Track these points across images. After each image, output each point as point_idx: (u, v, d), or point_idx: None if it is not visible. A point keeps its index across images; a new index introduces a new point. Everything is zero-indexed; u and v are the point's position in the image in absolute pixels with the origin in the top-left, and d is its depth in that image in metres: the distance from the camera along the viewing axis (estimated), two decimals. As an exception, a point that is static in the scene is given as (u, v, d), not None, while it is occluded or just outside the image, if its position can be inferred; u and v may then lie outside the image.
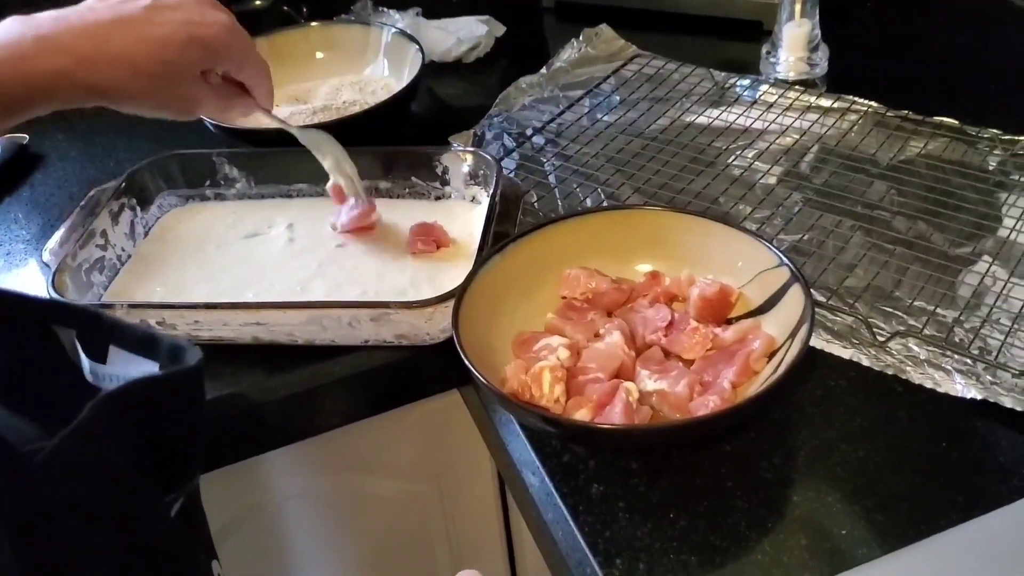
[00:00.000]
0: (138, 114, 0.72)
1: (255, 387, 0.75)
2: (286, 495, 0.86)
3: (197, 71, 0.72)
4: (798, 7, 1.01)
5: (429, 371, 0.79)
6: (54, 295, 0.75)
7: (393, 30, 1.10)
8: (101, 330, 0.54)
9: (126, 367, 0.53)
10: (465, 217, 0.88)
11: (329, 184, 0.86)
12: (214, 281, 0.83)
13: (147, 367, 0.53)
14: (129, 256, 0.86)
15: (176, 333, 0.75)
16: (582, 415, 0.64)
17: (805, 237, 0.82)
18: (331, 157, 0.85)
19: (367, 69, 1.11)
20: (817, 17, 1.01)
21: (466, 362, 0.64)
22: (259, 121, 0.86)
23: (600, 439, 0.64)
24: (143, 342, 0.54)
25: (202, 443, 0.55)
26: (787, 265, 0.69)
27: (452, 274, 0.81)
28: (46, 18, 0.66)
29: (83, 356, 0.54)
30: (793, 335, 0.65)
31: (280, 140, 0.86)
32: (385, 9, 1.21)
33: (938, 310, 0.73)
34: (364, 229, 0.85)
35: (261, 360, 0.76)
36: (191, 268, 0.85)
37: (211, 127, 0.98)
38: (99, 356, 0.54)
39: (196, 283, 0.83)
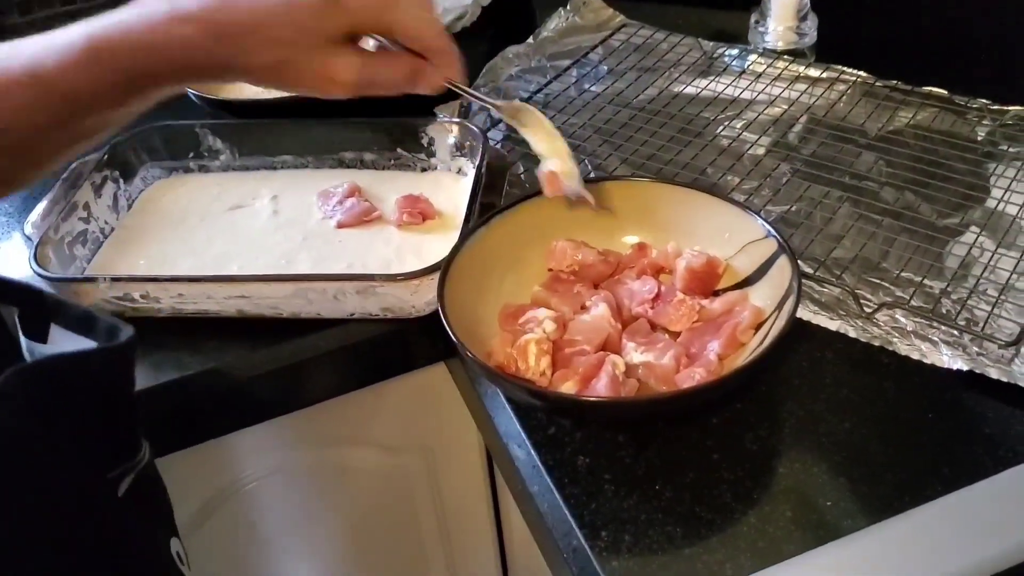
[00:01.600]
0: (281, 91, 0.64)
1: (240, 360, 0.75)
2: (268, 470, 0.86)
3: (336, 37, 0.61)
4: (787, -24, 1.00)
5: (415, 344, 0.79)
6: (36, 268, 0.74)
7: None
8: (43, 308, 0.54)
9: (64, 345, 0.53)
10: (451, 189, 0.87)
11: (541, 170, 0.73)
12: (198, 254, 0.82)
13: (85, 345, 0.53)
14: (112, 229, 0.85)
15: (160, 307, 0.75)
16: (568, 388, 0.64)
17: (793, 208, 0.82)
18: (543, 135, 0.72)
19: (353, 39, 1.09)
20: (806, -15, 1.01)
21: (452, 335, 0.64)
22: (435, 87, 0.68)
23: (586, 412, 0.64)
24: (81, 321, 0.53)
25: (138, 420, 0.54)
26: (774, 236, 0.68)
27: (438, 246, 0.80)
28: None
29: (21, 336, 0.53)
30: (780, 307, 0.65)
31: (264, 111, 0.85)
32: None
33: (925, 281, 0.73)
34: (364, 223, 0.84)
35: (246, 333, 0.75)
36: (175, 241, 0.84)
37: (194, 98, 0.97)
38: (40, 334, 0.53)
39: (180, 256, 0.82)
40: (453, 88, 0.67)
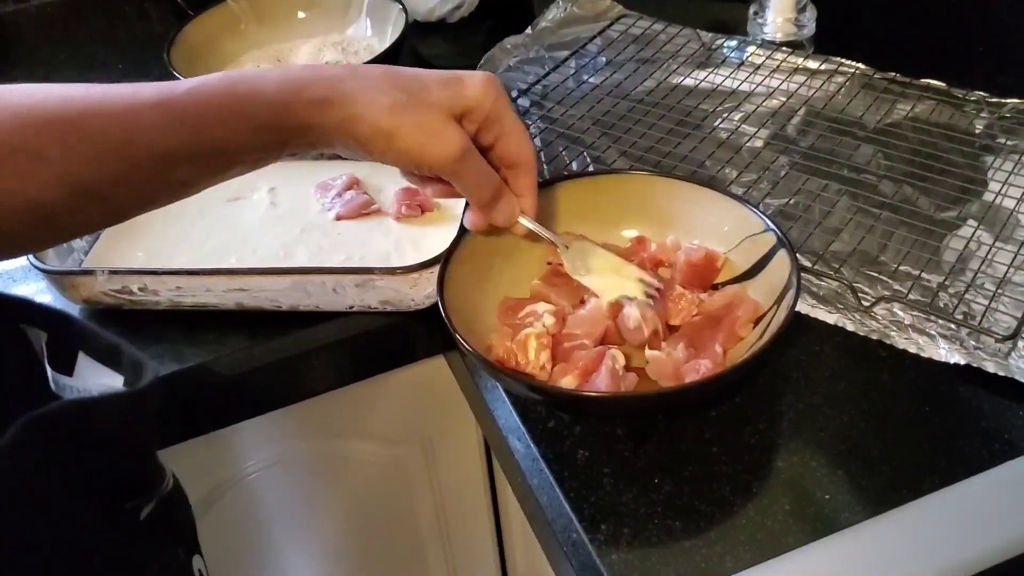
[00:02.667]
0: (395, 165, 0.63)
1: (239, 353, 0.75)
2: (267, 462, 0.86)
3: (454, 109, 0.61)
4: (786, -33, 1.00)
5: (414, 336, 0.79)
6: (34, 261, 0.74)
7: (378, -11, 1.08)
8: (70, 335, 0.53)
9: (89, 379, 0.52)
10: (450, 181, 0.87)
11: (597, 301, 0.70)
12: (196, 246, 0.82)
13: (111, 380, 0.52)
14: (110, 221, 0.84)
15: (159, 300, 0.75)
16: (568, 382, 0.64)
17: (791, 201, 0.82)
18: (596, 274, 0.70)
19: (349, 29, 1.09)
20: (805, -23, 1.01)
21: (452, 330, 0.64)
22: (510, 218, 0.67)
23: (587, 406, 0.64)
24: (108, 352, 0.52)
25: (155, 455, 0.53)
26: (773, 230, 0.68)
27: (437, 238, 0.80)
28: (333, 68, 0.62)
29: (48, 366, 0.52)
30: (779, 301, 0.65)
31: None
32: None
33: (923, 275, 0.73)
34: (363, 215, 0.84)
35: (245, 326, 0.76)
36: (173, 233, 0.84)
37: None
38: (66, 361, 0.52)
39: (178, 248, 0.82)
40: (525, 223, 0.67)
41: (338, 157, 0.90)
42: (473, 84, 0.61)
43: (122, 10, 1.26)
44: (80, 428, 0.47)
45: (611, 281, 0.70)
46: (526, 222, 0.67)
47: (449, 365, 0.81)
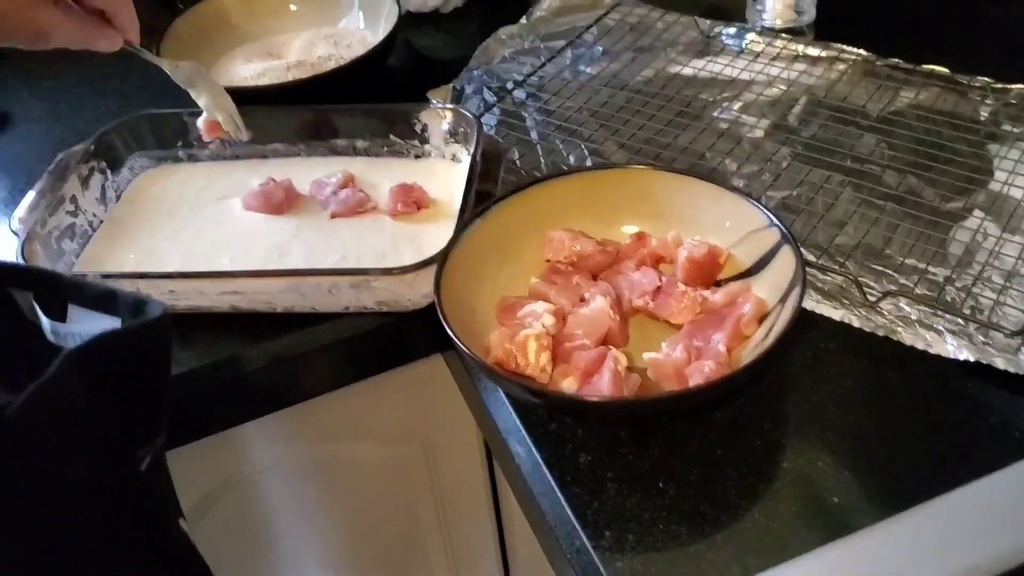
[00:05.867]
0: None
1: (234, 355, 0.73)
2: (264, 465, 0.85)
3: None
4: (785, -48, 0.98)
5: (412, 336, 0.77)
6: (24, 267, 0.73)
7: (368, -21, 1.06)
8: (58, 290, 0.53)
9: (87, 324, 0.52)
10: (445, 176, 0.86)
11: (201, 120, 0.83)
12: (188, 246, 0.80)
13: (108, 323, 0.53)
14: (101, 221, 0.83)
15: (151, 303, 0.73)
16: (569, 384, 0.63)
17: (794, 193, 0.80)
18: (207, 93, 0.81)
19: (342, 21, 1.07)
20: (805, -38, 0.99)
21: (449, 332, 0.62)
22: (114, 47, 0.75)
23: (590, 412, 0.63)
24: (102, 298, 0.53)
25: (167, 397, 0.55)
26: (777, 226, 0.67)
27: (433, 236, 0.79)
28: None
29: (42, 316, 0.53)
30: (784, 299, 0.64)
31: (254, 98, 0.84)
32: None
33: (929, 268, 0.72)
34: (358, 213, 0.82)
35: (240, 327, 0.74)
36: (165, 233, 0.82)
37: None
38: (58, 316, 0.53)
39: (170, 248, 0.80)
40: (131, 49, 0.75)
41: (334, 151, 0.89)
42: None
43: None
44: (115, 359, 0.49)
45: (213, 102, 0.82)
46: (138, 51, 0.77)
47: (447, 364, 0.80)
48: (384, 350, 0.78)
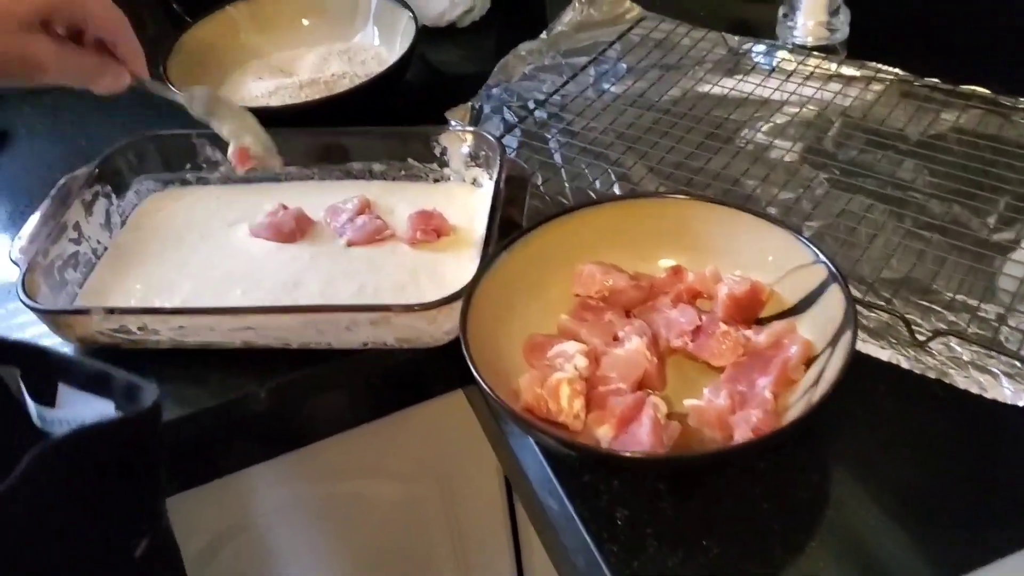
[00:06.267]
0: None
1: (246, 394, 0.69)
2: (278, 505, 0.81)
3: (32, 21, 0.61)
4: (818, -33, 0.94)
5: (432, 372, 0.74)
6: (25, 299, 0.69)
7: (381, -10, 1.02)
8: (48, 367, 0.49)
9: (77, 408, 0.49)
10: (466, 201, 0.82)
11: (230, 151, 0.75)
12: (198, 276, 0.76)
13: (100, 406, 0.48)
14: (105, 249, 0.79)
15: (159, 339, 0.69)
16: (604, 433, 0.59)
17: (834, 223, 0.76)
18: (229, 119, 0.75)
19: (356, 37, 1.04)
20: (839, -22, 0.95)
21: (477, 377, 0.59)
22: (120, 85, 0.70)
23: (631, 467, 0.58)
24: (95, 379, 0.49)
25: (163, 486, 0.51)
26: (824, 263, 0.63)
27: (454, 266, 0.75)
28: None
29: (29, 400, 0.49)
30: (834, 342, 0.60)
31: (267, 119, 0.80)
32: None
33: (981, 305, 0.68)
34: (375, 241, 0.78)
35: (254, 364, 0.70)
36: (173, 261, 0.78)
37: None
38: (47, 396, 0.49)
39: (179, 278, 0.76)
40: (139, 83, 0.69)
41: (349, 175, 0.85)
42: None
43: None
44: (90, 456, 0.45)
45: (236, 125, 0.75)
46: (145, 84, 0.70)
47: (469, 401, 0.76)
48: (403, 387, 0.74)
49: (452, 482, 0.87)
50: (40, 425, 0.49)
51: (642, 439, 0.58)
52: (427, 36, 1.06)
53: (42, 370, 0.49)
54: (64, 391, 0.49)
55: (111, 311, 0.68)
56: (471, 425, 0.77)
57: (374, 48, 1.02)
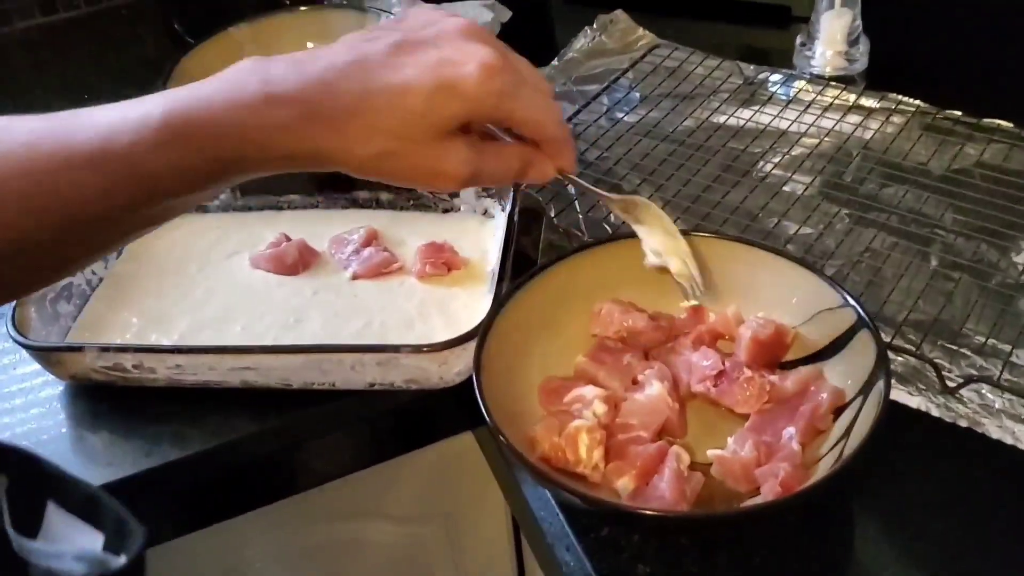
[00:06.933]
0: (381, 181, 0.54)
1: (246, 436, 0.66)
2: (277, 548, 0.78)
3: (449, 127, 0.52)
4: (838, -5, 0.92)
5: (440, 414, 0.71)
6: (14, 334, 0.66)
7: (390, 16, 1.00)
8: (39, 480, 0.45)
9: (62, 539, 0.44)
10: (476, 233, 0.79)
11: (648, 262, 0.65)
12: (196, 310, 0.74)
13: (88, 538, 0.44)
14: (100, 280, 0.76)
15: (156, 377, 0.66)
16: (625, 485, 0.56)
17: (857, 261, 0.74)
18: (659, 234, 0.65)
19: (362, 61, 1.01)
20: (859, 6, 0.92)
21: (496, 431, 0.55)
22: (545, 178, 0.59)
23: (653, 524, 0.55)
24: (86, 504, 0.44)
25: None
26: (853, 307, 0.60)
27: (465, 301, 0.73)
28: (280, 62, 0.51)
29: (9, 528, 0.43)
30: (866, 391, 0.57)
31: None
32: (380, -9, 1.11)
33: (1015, 351, 0.66)
34: (382, 275, 0.75)
35: (254, 403, 0.67)
36: (170, 293, 0.75)
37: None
38: (33, 513, 0.44)
39: (176, 312, 0.73)
40: (563, 178, 0.59)
41: (355, 204, 0.82)
42: (467, 85, 0.51)
43: (113, 34, 1.18)
44: None
45: (662, 244, 0.65)
46: (572, 179, 0.60)
47: (479, 444, 0.73)
48: (409, 429, 0.71)
49: (456, 522, 0.84)
50: (18, 552, 0.44)
51: (664, 492, 0.55)
52: (434, 61, 1.04)
53: (32, 481, 0.45)
54: (52, 511, 0.44)
55: (105, 348, 0.65)
56: (477, 461, 0.74)
57: (380, 73, 0.99)
